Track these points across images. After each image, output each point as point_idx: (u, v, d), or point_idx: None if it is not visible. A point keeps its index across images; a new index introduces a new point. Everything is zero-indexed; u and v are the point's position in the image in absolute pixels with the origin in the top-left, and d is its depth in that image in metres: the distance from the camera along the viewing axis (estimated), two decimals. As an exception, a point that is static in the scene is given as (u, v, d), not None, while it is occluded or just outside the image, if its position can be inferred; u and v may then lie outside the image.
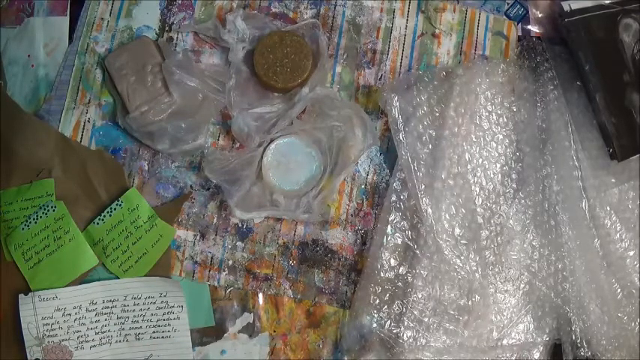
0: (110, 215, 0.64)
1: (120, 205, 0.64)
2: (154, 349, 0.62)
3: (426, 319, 0.63)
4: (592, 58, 0.67)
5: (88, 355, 0.62)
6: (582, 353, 0.63)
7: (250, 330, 0.64)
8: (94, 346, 0.62)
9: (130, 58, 0.66)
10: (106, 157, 0.66)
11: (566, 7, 0.68)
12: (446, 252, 0.64)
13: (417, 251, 0.64)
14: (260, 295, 0.65)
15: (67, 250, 0.63)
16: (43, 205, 0.64)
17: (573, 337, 0.63)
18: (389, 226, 0.65)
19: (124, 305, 0.63)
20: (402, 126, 0.66)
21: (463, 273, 0.64)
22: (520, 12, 0.73)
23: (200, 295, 0.65)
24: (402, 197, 0.65)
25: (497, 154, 0.67)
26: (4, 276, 0.63)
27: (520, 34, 0.72)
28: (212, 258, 0.66)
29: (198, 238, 0.66)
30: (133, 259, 0.63)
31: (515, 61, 0.70)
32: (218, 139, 0.68)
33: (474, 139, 0.67)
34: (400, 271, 0.64)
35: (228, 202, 0.63)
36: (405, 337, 0.63)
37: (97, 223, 0.64)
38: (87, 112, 0.68)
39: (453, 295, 0.64)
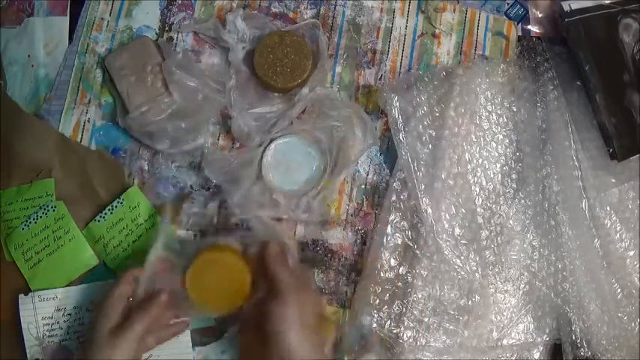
0: (111, 213, 0.64)
1: (121, 202, 0.64)
2: (154, 349, 0.62)
3: (426, 319, 0.63)
4: (592, 58, 0.67)
5: (88, 355, 0.62)
6: (582, 353, 0.63)
7: (250, 330, 0.64)
8: (94, 346, 0.62)
9: (130, 58, 0.66)
10: (106, 157, 0.66)
11: (566, 7, 0.68)
12: (446, 252, 0.64)
13: (417, 251, 0.64)
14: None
15: (67, 250, 0.63)
16: (43, 205, 0.64)
17: (573, 337, 0.63)
18: (389, 226, 0.65)
19: (124, 305, 0.63)
20: (402, 126, 0.66)
21: (463, 273, 0.64)
22: (520, 12, 0.73)
23: (200, 295, 0.65)
24: (402, 197, 0.65)
25: (497, 154, 0.67)
26: (4, 276, 0.63)
27: (520, 34, 0.72)
28: (212, 258, 0.66)
29: (198, 238, 0.66)
30: (134, 257, 0.63)
31: (515, 61, 0.70)
32: (218, 139, 0.68)
33: (473, 139, 0.67)
34: (400, 271, 0.64)
35: (228, 202, 0.63)
36: (405, 337, 0.63)
37: (98, 221, 0.64)
38: (87, 112, 0.68)
39: (453, 295, 0.64)
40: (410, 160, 0.65)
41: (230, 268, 0.57)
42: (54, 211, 0.63)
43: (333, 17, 0.71)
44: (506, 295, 0.65)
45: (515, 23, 0.72)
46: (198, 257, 0.57)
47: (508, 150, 0.67)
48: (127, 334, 0.53)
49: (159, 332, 0.58)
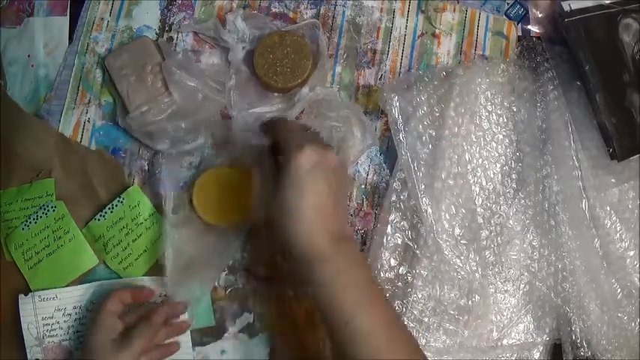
0: (111, 211, 0.64)
1: (121, 201, 0.64)
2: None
3: (426, 319, 0.63)
4: (592, 58, 0.67)
5: (88, 355, 0.62)
6: (582, 353, 0.63)
7: (250, 330, 0.64)
8: (94, 346, 0.62)
9: (130, 58, 0.66)
10: (106, 157, 0.66)
11: (566, 7, 0.68)
12: (446, 252, 0.64)
13: (417, 251, 0.64)
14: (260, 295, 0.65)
15: (67, 250, 0.63)
16: (43, 205, 0.64)
17: (573, 337, 0.63)
18: (389, 226, 0.65)
19: (124, 305, 0.63)
20: (402, 126, 0.66)
21: (463, 273, 0.64)
22: (520, 12, 0.73)
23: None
24: (402, 197, 0.65)
25: (497, 154, 0.67)
26: (4, 276, 0.63)
27: (520, 34, 0.72)
28: (212, 258, 0.66)
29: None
30: (133, 256, 0.63)
31: (515, 61, 0.70)
32: (218, 139, 0.68)
33: (473, 139, 0.67)
34: (400, 271, 0.64)
35: None
36: (405, 337, 0.63)
37: (98, 219, 0.64)
38: (87, 112, 0.68)
39: (453, 295, 0.64)
40: (410, 160, 0.65)
41: (230, 178, 0.63)
42: (54, 211, 0.63)
43: (333, 17, 0.71)
44: (506, 295, 0.65)
45: (515, 23, 0.72)
46: (200, 176, 0.64)
47: (508, 150, 0.67)
48: (127, 350, 0.55)
49: (152, 353, 0.59)
